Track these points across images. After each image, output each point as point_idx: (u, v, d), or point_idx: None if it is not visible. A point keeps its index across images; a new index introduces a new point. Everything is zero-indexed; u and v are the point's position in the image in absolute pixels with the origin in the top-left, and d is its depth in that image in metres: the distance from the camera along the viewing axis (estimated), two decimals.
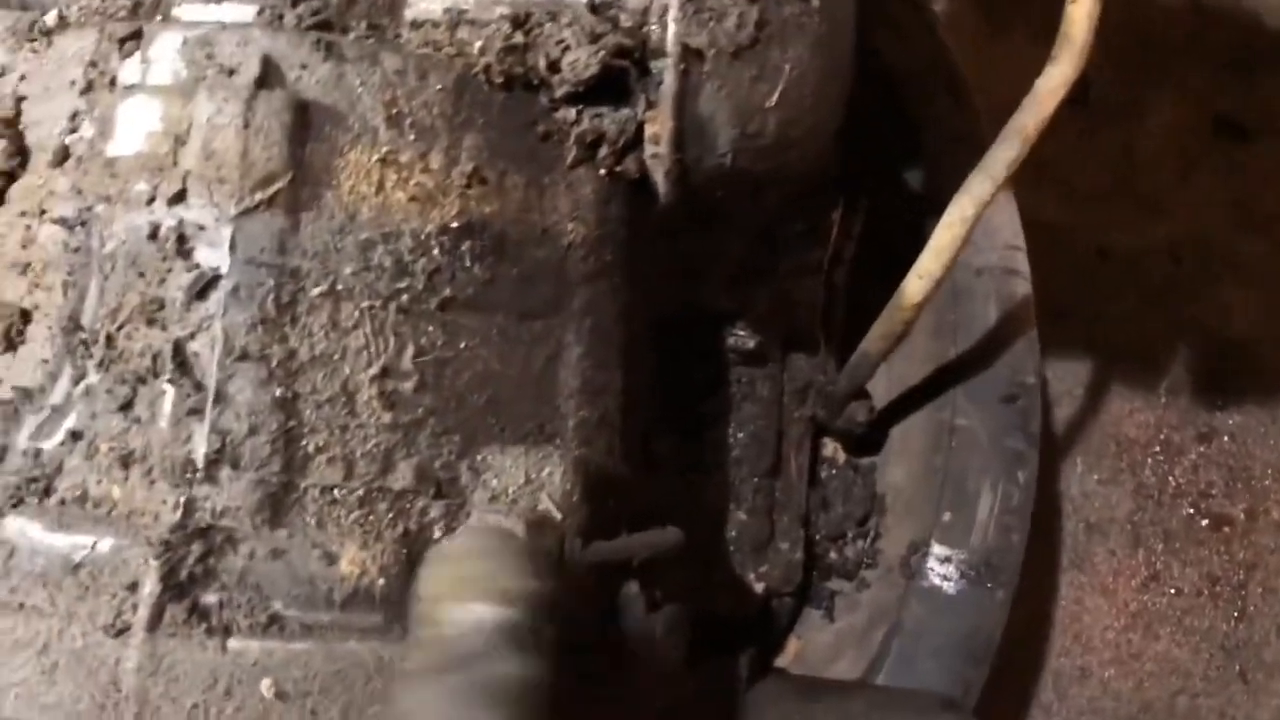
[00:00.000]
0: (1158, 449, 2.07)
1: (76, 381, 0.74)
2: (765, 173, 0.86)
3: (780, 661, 1.29)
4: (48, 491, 0.73)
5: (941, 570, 1.24)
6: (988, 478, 1.24)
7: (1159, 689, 2.01)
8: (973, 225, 0.94)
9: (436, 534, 0.75)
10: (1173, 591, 2.05)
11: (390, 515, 0.74)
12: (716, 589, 1.18)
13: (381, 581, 0.72)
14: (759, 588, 1.22)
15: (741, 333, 1.16)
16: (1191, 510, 2.06)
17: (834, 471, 1.31)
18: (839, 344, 1.27)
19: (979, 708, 1.23)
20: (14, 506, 0.73)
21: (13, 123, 0.80)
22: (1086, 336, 2.13)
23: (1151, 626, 2.02)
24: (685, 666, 0.91)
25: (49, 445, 0.74)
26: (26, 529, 0.71)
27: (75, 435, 0.74)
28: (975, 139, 1.25)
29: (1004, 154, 0.91)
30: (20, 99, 0.81)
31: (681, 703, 0.92)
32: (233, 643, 0.68)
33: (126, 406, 0.73)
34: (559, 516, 0.78)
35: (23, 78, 0.82)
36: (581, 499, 0.79)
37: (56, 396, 0.75)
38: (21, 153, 0.80)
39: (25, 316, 0.77)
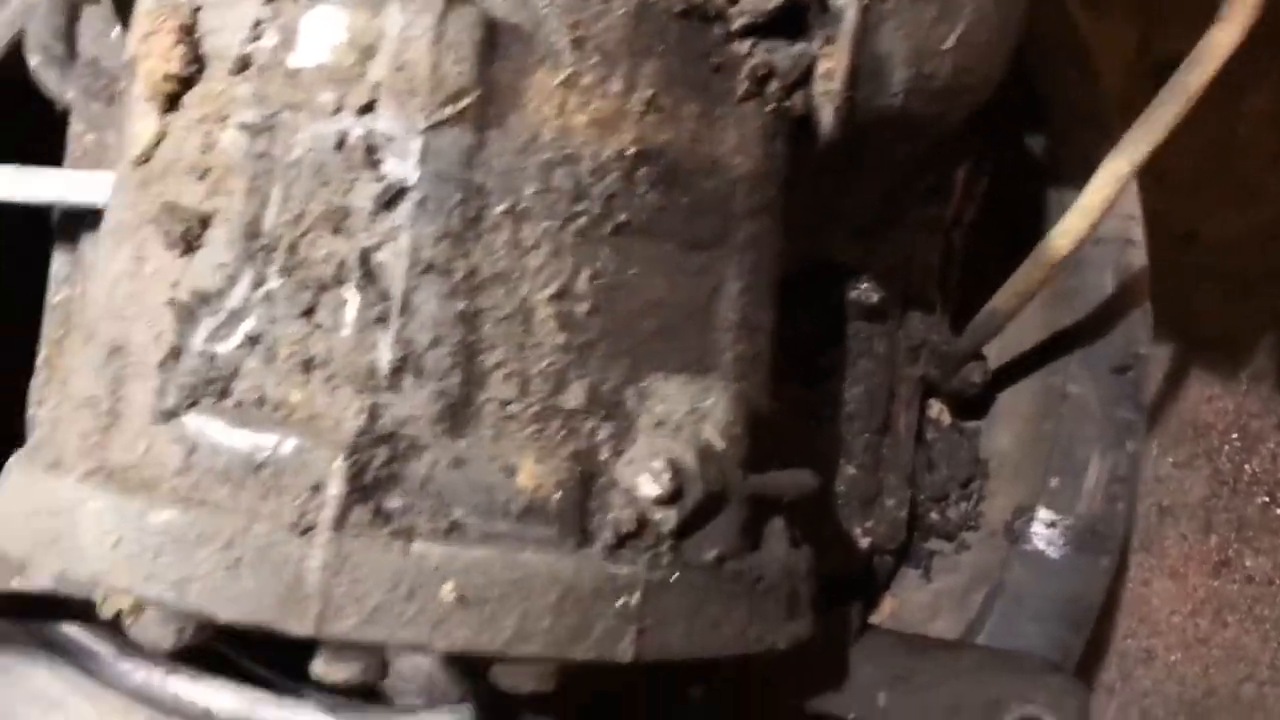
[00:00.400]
0: (1236, 436, 2.06)
1: (256, 286, 0.75)
2: (930, 117, 0.86)
3: (875, 619, 1.30)
4: (224, 393, 0.74)
5: (1047, 535, 1.24)
6: (1097, 446, 1.24)
7: (1225, 675, 2.01)
8: (1125, 185, 0.94)
9: (604, 454, 0.75)
10: (1243, 579, 2.04)
11: (562, 433, 0.74)
12: (824, 541, 1.18)
13: (557, 495, 0.72)
14: (864, 543, 1.22)
15: (864, 286, 1.16)
16: (1266, 499, 2.05)
17: (939, 433, 1.31)
18: (952, 306, 1.27)
19: (1076, 675, 1.23)
20: (189, 407, 0.74)
21: (190, 29, 0.81)
22: (1170, 320, 2.12)
23: (1220, 613, 2.01)
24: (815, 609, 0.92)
25: (225, 348, 0.75)
26: (207, 427, 0.72)
27: (253, 339, 0.74)
28: (1101, 118, 1.24)
29: (1164, 113, 0.91)
30: (196, 8, 0.82)
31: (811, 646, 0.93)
32: (415, 546, 0.69)
33: (308, 312, 0.74)
34: (722, 445, 0.78)
35: None
36: (742, 431, 0.80)
37: (234, 300, 0.75)
38: (198, 60, 0.80)
39: (204, 221, 0.77)
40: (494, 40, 0.75)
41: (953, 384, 1.23)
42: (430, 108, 0.74)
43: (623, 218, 0.77)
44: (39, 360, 1.18)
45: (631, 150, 0.77)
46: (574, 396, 0.75)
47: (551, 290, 0.75)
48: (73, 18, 1.23)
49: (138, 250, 0.80)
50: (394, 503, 0.70)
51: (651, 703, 1.16)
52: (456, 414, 0.72)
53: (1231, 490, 2.02)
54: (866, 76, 0.82)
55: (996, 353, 1.30)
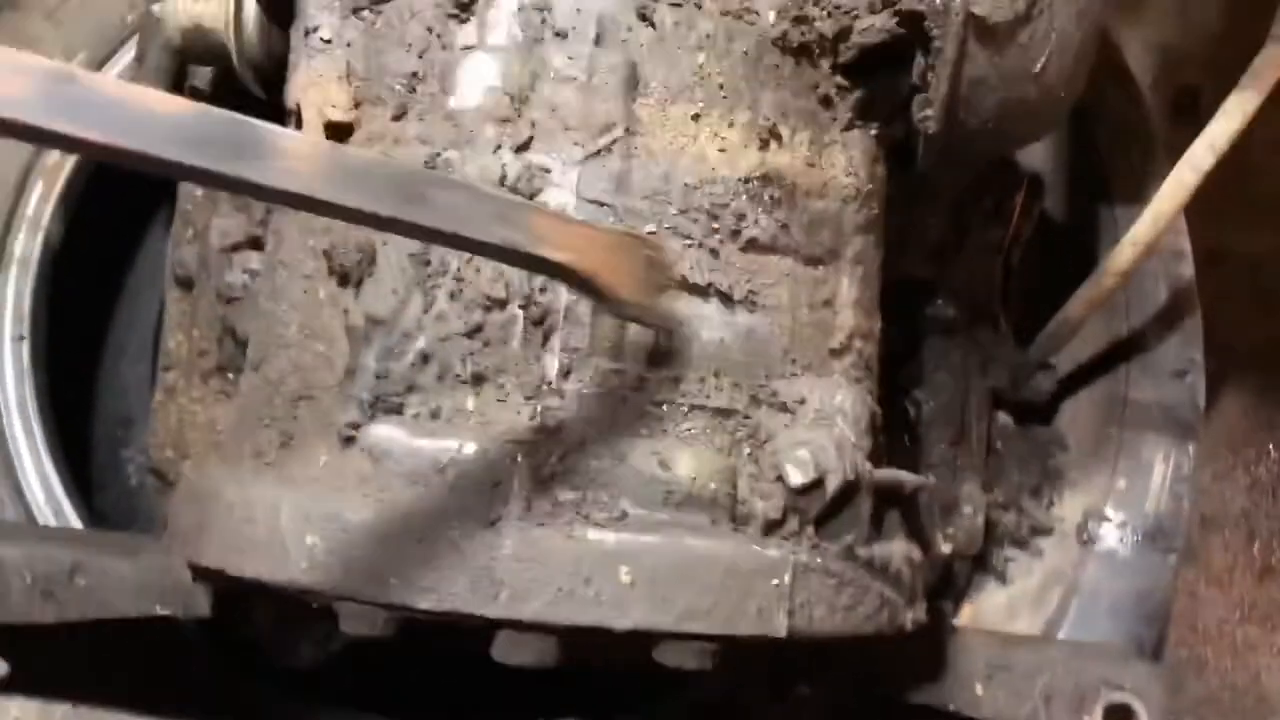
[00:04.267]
0: (1272, 446, 2.12)
1: (427, 309, 0.82)
2: (1017, 137, 0.94)
3: (954, 623, 1.35)
4: (401, 408, 0.81)
5: (1118, 534, 1.31)
6: (1161, 447, 1.31)
7: (1277, 681, 2.05)
8: (1191, 193, 1.02)
9: (749, 448, 0.82)
10: None
11: (711, 429, 0.81)
12: None
13: (712, 485, 0.79)
14: (945, 549, 1.29)
15: (940, 303, 1.23)
16: None
17: (1008, 443, 1.37)
18: (1013, 320, 1.34)
19: None
20: (370, 420, 0.81)
21: (348, 79, 0.89)
22: (1203, 337, 2.17)
23: (1270, 619, 2.06)
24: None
25: (400, 366, 0.82)
26: (394, 435, 0.79)
27: (425, 357, 0.82)
28: (1145, 133, 1.33)
29: (1226, 126, 0.99)
30: (349, 62, 0.90)
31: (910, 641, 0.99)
32: (591, 534, 0.76)
33: (476, 330, 0.81)
34: (853, 439, 0.85)
35: (349, 44, 0.90)
36: (869, 426, 0.87)
37: (407, 323, 0.83)
38: (357, 105, 0.88)
39: (372, 254, 0.85)
40: (635, 79, 0.83)
41: (1023, 393, 1.30)
42: (584, 141, 0.82)
43: (753, 234, 0.85)
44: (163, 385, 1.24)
45: (757, 174, 0.85)
46: (720, 396, 0.82)
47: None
48: None
49: (307, 283, 0.88)
50: (568, 495, 0.77)
51: (760, 704, 1.22)
52: (618, 414, 0.79)
53: (1271, 499, 2.08)
54: (962, 103, 0.91)
55: (1058, 364, 1.38)
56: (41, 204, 1.40)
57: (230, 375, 1.23)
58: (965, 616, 1.37)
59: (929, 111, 0.90)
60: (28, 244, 1.39)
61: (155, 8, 1.11)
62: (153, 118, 0.53)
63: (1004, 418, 1.37)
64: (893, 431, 1.25)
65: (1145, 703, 1.11)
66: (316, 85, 0.89)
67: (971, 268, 1.29)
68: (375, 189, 0.60)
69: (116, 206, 1.49)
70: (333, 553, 0.77)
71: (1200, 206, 2.07)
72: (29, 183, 1.40)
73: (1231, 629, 2.06)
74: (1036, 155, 1.37)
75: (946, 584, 1.34)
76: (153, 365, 1.41)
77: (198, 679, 1.24)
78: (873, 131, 0.92)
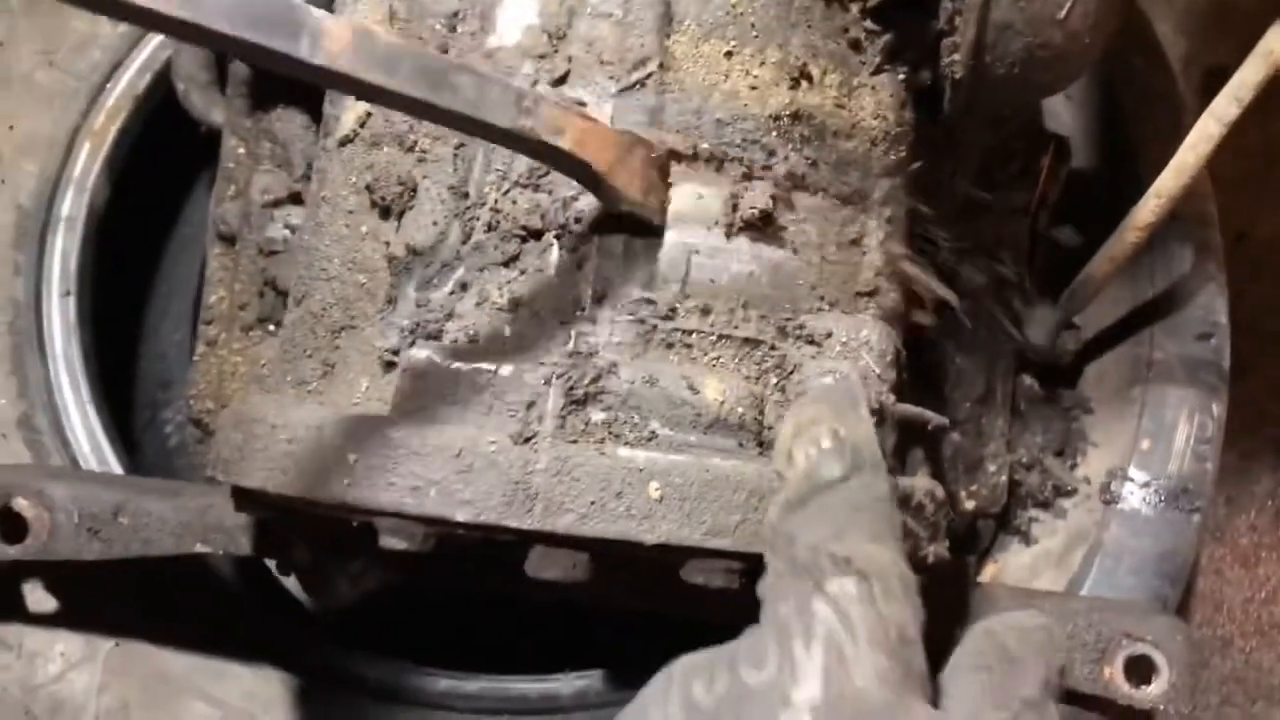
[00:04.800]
0: None
1: (465, 240, 0.85)
2: (1047, 83, 0.96)
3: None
4: (440, 334, 0.84)
5: (1141, 494, 1.32)
6: (1184, 408, 1.33)
7: None
8: (1215, 146, 1.03)
9: (775, 377, 0.85)
10: None
11: (739, 358, 0.84)
12: None
13: (740, 410, 0.81)
14: (969, 505, 1.30)
15: (967, 265, 1.25)
16: None
17: (1032, 404, 1.39)
18: (1038, 282, 1.36)
19: None
20: (410, 346, 0.84)
21: (393, 19, 0.92)
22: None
23: None
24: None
25: (439, 295, 0.85)
26: (433, 358, 0.82)
27: (464, 285, 0.85)
28: (1171, 98, 1.34)
29: (1251, 76, 1.00)
30: (392, 4, 0.93)
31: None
32: (622, 451, 0.78)
33: (514, 259, 0.84)
34: (878, 370, 0.87)
35: None
36: (894, 360, 0.89)
37: (446, 253, 0.86)
38: None
39: (413, 187, 0.88)
40: (669, 16, 0.86)
41: (1047, 352, 1.32)
42: (619, 76, 0.84)
43: (783, 170, 0.87)
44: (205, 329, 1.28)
45: (788, 111, 0.88)
46: (748, 327, 0.85)
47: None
48: None
49: (350, 218, 0.91)
50: (600, 415, 0.79)
51: None
52: (648, 340, 0.82)
53: None
54: (988, 47, 0.93)
55: (1083, 328, 1.39)
56: (89, 165, 1.44)
57: (271, 328, 1.27)
58: (988, 575, 1.38)
59: (955, 56, 0.92)
60: (75, 204, 1.43)
61: None
62: None
63: (1028, 380, 1.39)
64: (923, 389, 1.28)
65: (1166, 654, 1.12)
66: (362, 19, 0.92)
67: (999, 230, 1.31)
68: (403, 71, 0.64)
69: (161, 170, 1.53)
70: (373, 468, 0.79)
71: (1227, 190, 2.09)
72: (76, 144, 1.44)
73: (1256, 609, 2.07)
74: (1063, 120, 1.39)
75: (970, 541, 1.35)
76: (192, 329, 1.45)
77: (234, 621, 1.27)
78: (900, 76, 0.95)
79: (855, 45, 0.92)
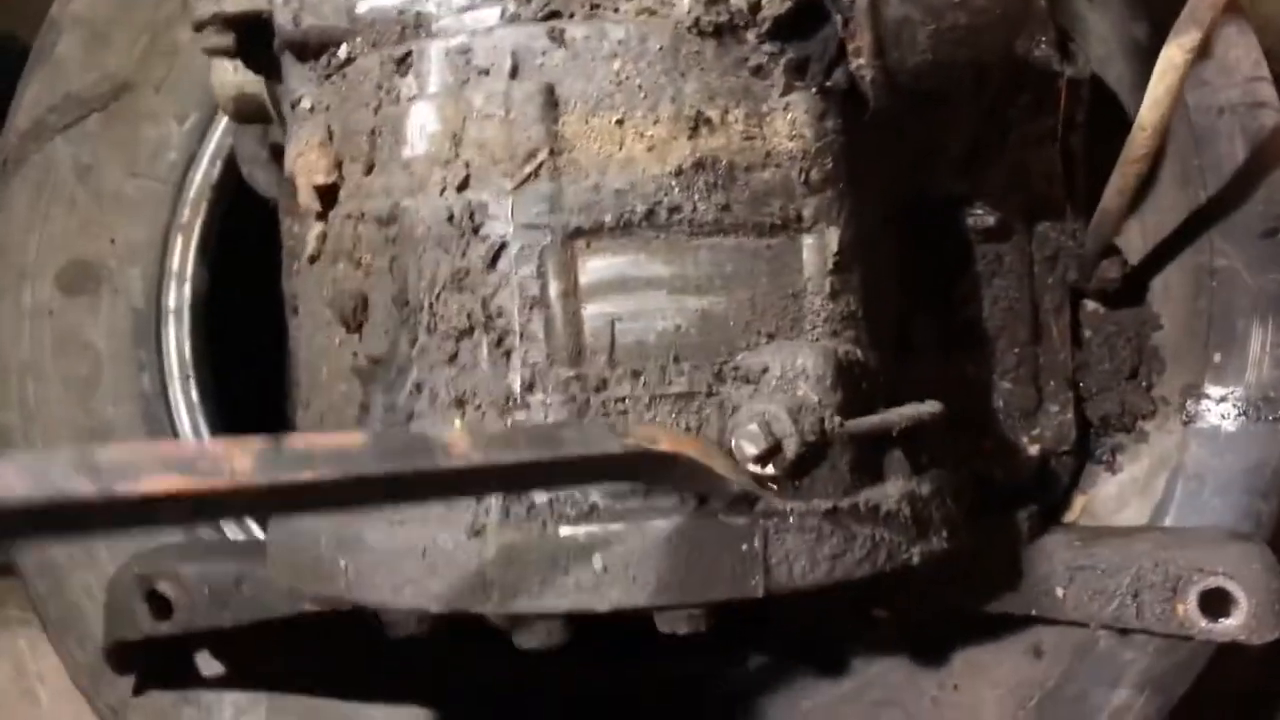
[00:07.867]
0: None
1: (412, 344, 0.92)
2: (965, 61, 0.93)
3: (1068, 518, 1.35)
4: None
5: (1219, 410, 1.26)
6: (1255, 314, 1.25)
7: None
8: (1185, 72, 0.97)
9: (711, 428, 0.88)
10: None
11: (673, 415, 0.88)
12: (988, 455, 1.25)
13: None
14: (1033, 450, 1.28)
15: (979, 211, 1.22)
16: None
17: (1096, 331, 1.34)
18: (1086, 208, 1.30)
19: (1273, 541, 1.24)
20: None
21: (328, 144, 0.99)
22: None
23: None
24: (960, 523, 1.01)
25: (400, 398, 0.93)
26: None
27: (418, 386, 0.92)
28: None
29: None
30: (329, 125, 1.00)
31: (959, 556, 1.02)
32: (564, 530, 0.85)
33: (453, 358, 0.90)
34: (816, 398, 0.89)
35: (328, 107, 1.00)
36: (834, 383, 0.90)
37: (400, 359, 0.93)
38: (339, 167, 0.98)
39: (365, 300, 0.95)
40: (554, 101, 0.89)
41: (1094, 283, 1.27)
42: (512, 172, 0.88)
43: (691, 221, 0.89)
44: None
45: (689, 162, 0.89)
46: (679, 383, 0.88)
47: None
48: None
49: (325, 331, 1.00)
50: (541, 498, 0.86)
51: (841, 627, 1.28)
52: (583, 415, 0.87)
53: None
54: (891, 43, 0.91)
55: (1141, 243, 1.32)
56: (184, 257, 1.59)
57: None
58: (1079, 509, 1.36)
59: (861, 60, 0.91)
60: (178, 296, 1.58)
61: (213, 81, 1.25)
62: (345, 451, 0.61)
63: (1090, 305, 1.34)
64: (956, 348, 1.27)
65: (1242, 584, 1.09)
66: (303, 154, 0.99)
67: (1022, 163, 1.26)
68: (520, 443, 0.69)
69: (253, 253, 1.66)
70: (360, 571, 0.89)
71: None
72: (170, 241, 1.59)
73: None
74: (1090, 24, 1.31)
75: (1049, 483, 1.33)
76: None
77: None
78: (814, 90, 0.94)
79: (758, 71, 0.92)
